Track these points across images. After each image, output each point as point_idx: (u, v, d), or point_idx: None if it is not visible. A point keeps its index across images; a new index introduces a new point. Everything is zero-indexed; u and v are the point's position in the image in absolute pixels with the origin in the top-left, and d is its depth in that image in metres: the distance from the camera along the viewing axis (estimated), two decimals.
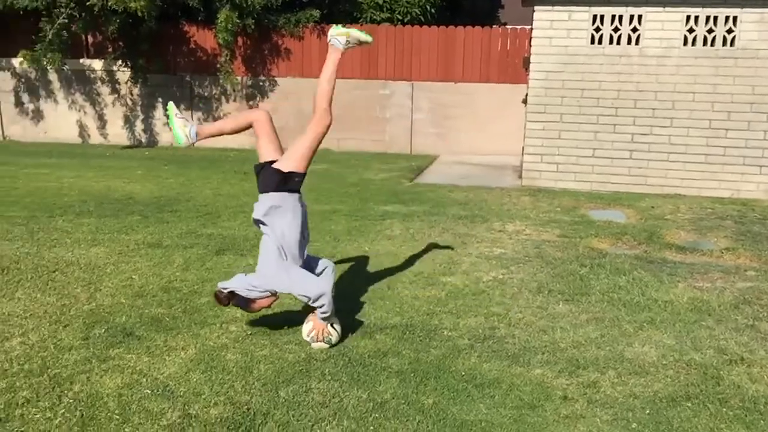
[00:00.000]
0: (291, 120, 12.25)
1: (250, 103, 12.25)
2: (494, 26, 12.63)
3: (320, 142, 4.03)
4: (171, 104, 4.16)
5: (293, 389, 3.41)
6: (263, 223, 3.88)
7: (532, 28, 8.85)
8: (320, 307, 3.82)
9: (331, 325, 3.91)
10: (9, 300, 4.53)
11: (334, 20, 11.96)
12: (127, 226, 6.48)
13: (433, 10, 12.15)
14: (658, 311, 4.57)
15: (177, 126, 4.00)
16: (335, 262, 5.44)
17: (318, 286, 3.83)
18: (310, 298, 3.82)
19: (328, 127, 4.01)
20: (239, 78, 11.99)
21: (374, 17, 12.13)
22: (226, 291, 3.87)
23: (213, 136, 4.18)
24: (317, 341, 3.90)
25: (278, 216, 3.84)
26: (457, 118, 11.77)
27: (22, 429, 3.00)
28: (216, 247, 5.84)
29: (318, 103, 4.00)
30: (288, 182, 3.87)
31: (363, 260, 5.58)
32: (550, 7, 8.54)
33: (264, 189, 3.89)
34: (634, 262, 5.66)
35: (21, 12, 11.05)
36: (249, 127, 4.12)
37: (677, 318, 4.45)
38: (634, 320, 4.41)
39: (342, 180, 9.20)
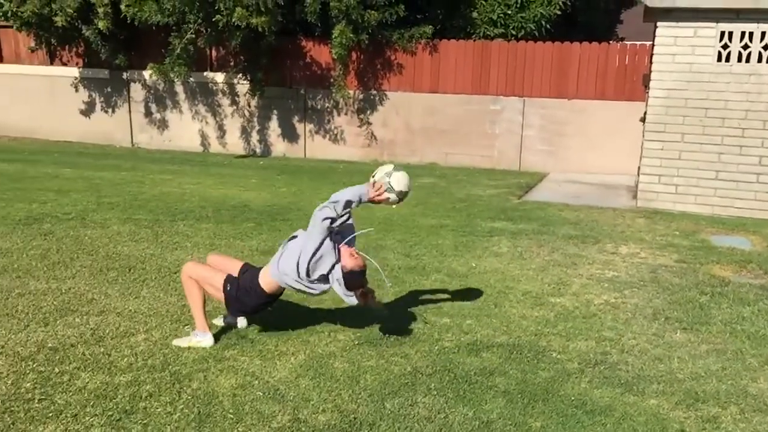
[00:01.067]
0: (400, 133, 12.39)
1: (361, 116, 12.48)
2: (612, 42, 12.29)
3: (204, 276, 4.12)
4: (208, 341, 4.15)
5: (399, 402, 3.43)
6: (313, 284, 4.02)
7: (653, 45, 8.53)
8: (334, 202, 3.84)
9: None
10: (135, 298, 4.82)
11: (447, 36, 12.04)
12: (242, 232, 6.75)
13: (548, 26, 11.95)
14: None
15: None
16: (441, 276, 5.45)
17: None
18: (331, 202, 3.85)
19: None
20: (351, 91, 12.25)
21: (487, 33, 12.08)
22: (358, 292, 3.96)
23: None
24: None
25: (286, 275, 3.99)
26: (569, 135, 11.50)
27: (145, 421, 3.17)
28: None
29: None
30: (240, 290, 4.06)
31: (469, 276, 5.55)
32: (674, 23, 8.21)
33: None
34: (760, 292, 5.32)
35: (153, 27, 11.79)
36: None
37: None
38: (759, 354, 4.14)
39: (449, 195, 9.19)
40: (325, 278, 3.96)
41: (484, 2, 12.07)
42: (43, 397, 3.35)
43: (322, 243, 3.87)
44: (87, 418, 3.17)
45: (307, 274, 3.91)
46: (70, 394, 3.39)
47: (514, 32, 11.95)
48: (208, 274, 4.10)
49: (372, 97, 12.45)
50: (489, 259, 6.07)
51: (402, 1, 11.24)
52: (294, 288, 4.04)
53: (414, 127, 12.26)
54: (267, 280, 4.05)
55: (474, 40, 11.96)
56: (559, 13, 11.92)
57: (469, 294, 5.12)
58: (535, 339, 4.29)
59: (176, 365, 3.75)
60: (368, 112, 12.52)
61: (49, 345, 3.96)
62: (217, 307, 4.49)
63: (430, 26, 11.74)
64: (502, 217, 7.78)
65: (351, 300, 3.98)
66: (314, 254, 3.87)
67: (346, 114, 12.65)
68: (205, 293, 4.09)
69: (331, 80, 12.13)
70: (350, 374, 3.72)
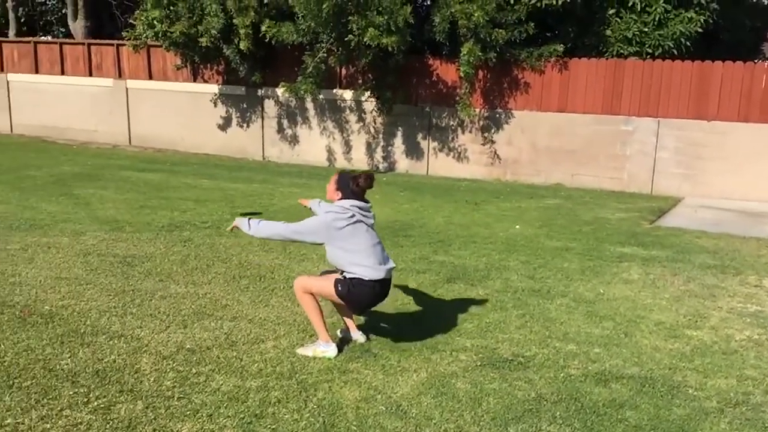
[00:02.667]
0: (524, 153, 12.20)
1: (485, 135, 12.41)
2: (758, 61, 11.53)
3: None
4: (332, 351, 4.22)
5: (522, 428, 3.35)
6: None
7: None
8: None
9: None
10: (264, 306, 5.02)
11: (577, 54, 11.76)
12: None
13: (688, 43, 11.38)
14: None
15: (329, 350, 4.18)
16: (567, 301, 5.30)
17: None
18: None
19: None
20: (476, 110, 12.21)
21: (621, 51, 11.67)
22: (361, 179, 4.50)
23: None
24: None
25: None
26: (708, 158, 10.87)
27: (274, 427, 3.29)
28: (447, 275, 5.97)
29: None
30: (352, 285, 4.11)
31: (597, 302, 5.35)
32: None
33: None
34: None
35: (288, 46, 12.32)
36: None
37: None
38: None
39: (575, 217, 8.92)
40: (350, 216, 4.34)
41: (618, 20, 11.69)
42: (181, 395, 3.55)
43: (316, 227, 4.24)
44: (221, 419, 3.33)
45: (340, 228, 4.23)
46: (206, 394, 3.57)
47: (650, 50, 11.47)
48: (318, 282, 4.21)
49: (497, 115, 12.35)
50: (618, 285, 5.83)
51: (532, 20, 11.10)
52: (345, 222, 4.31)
53: (539, 147, 12.03)
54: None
55: (606, 59, 11.61)
56: (700, 30, 11.33)
57: (597, 321, 4.94)
58: (669, 373, 4.07)
59: (303, 374, 3.86)
60: (492, 130, 12.42)
61: (187, 346, 4.20)
62: (336, 322, 4.58)
63: (561, 44, 11.51)
64: (632, 242, 7.45)
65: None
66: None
67: (470, 132, 12.62)
68: (320, 302, 4.22)
69: (457, 98, 12.14)
70: (472, 396, 3.69)
